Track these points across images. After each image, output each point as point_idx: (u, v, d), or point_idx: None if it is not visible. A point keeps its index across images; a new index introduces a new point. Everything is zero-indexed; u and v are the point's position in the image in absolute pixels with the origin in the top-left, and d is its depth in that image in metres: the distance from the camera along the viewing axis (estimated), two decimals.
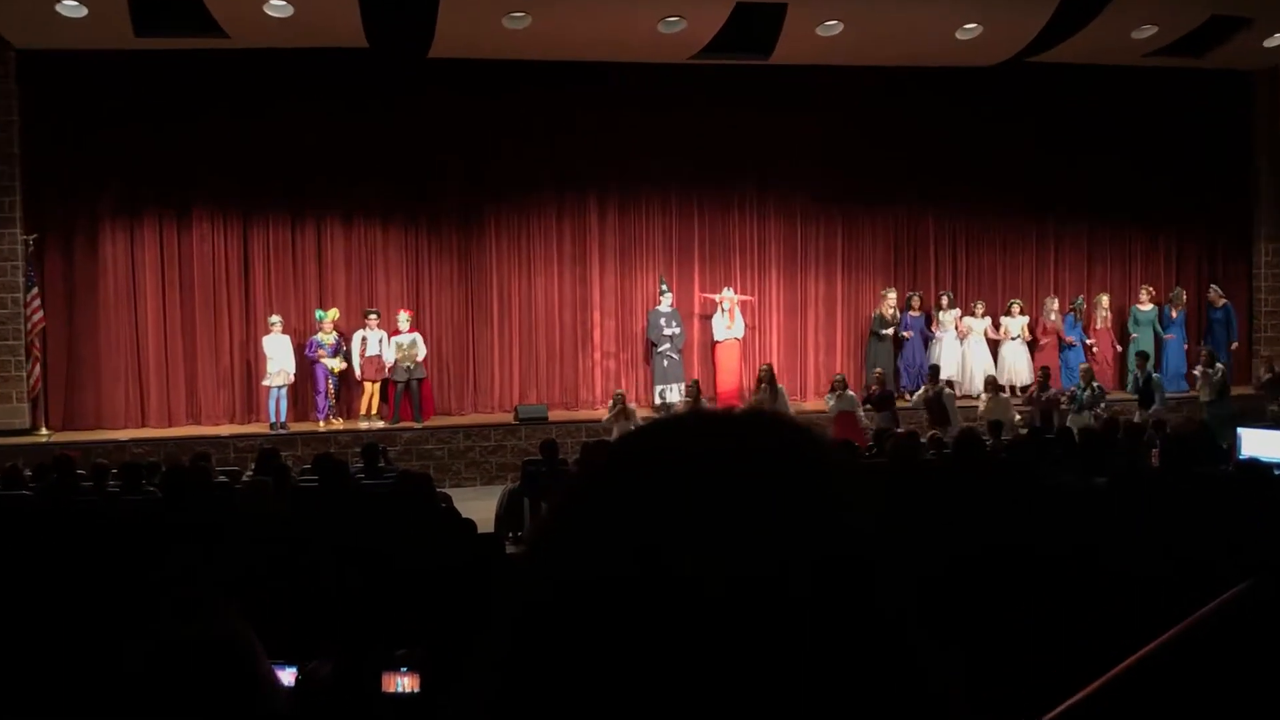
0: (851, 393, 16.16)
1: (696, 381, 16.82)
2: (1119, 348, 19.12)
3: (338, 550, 7.28)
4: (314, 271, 17.27)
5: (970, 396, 17.62)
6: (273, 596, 6.19)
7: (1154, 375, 16.52)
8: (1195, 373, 17.03)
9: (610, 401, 16.00)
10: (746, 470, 0.82)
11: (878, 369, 17.05)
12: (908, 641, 0.81)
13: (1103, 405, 15.69)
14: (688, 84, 17.54)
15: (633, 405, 15.49)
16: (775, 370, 17.04)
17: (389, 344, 16.63)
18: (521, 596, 0.83)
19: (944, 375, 18.17)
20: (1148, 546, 6.42)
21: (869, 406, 16.01)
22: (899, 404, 16.99)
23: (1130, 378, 17.11)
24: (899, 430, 14.56)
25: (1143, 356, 16.81)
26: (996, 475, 8.77)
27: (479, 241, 17.78)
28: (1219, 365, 16.68)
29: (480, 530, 8.97)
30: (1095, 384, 15.99)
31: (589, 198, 18.14)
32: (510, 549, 9.88)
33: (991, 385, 16.37)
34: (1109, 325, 19.09)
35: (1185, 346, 19.15)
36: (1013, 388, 18.07)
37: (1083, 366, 16.80)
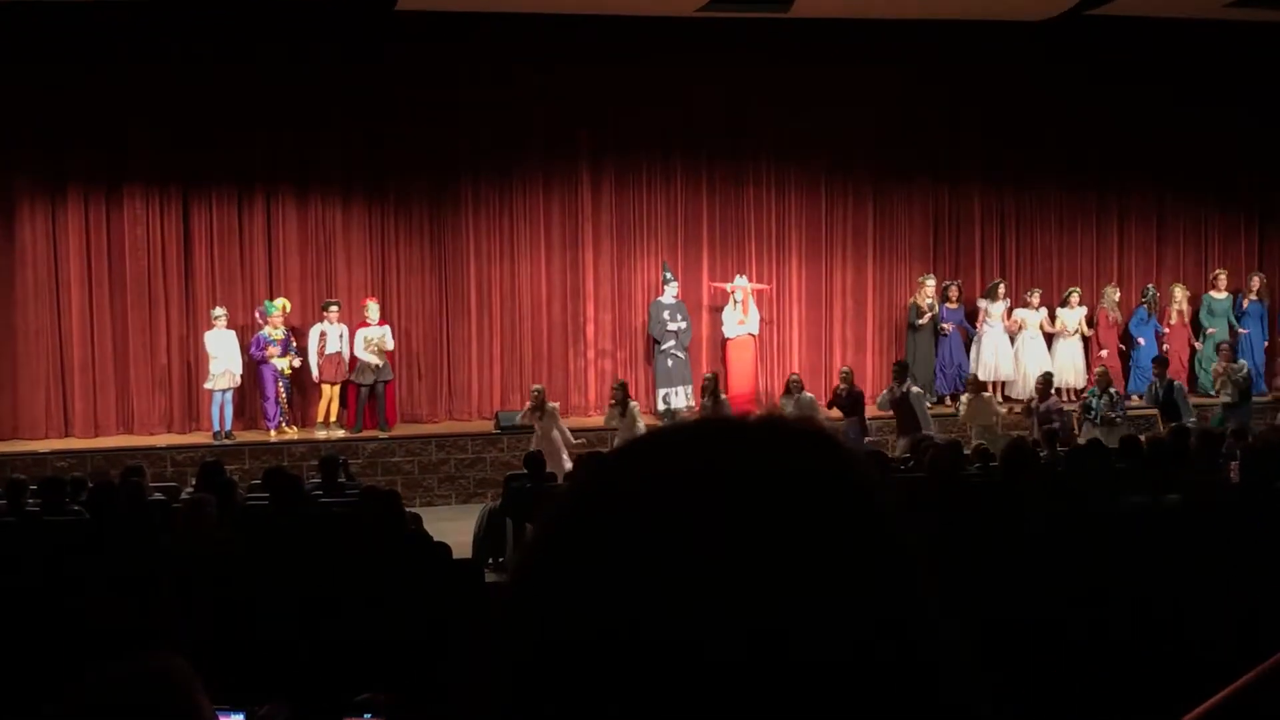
0: (810, 395, 16.05)
1: (665, 407, 16.49)
2: (1197, 344, 19.10)
3: (292, 578, 7.29)
4: (263, 257, 17.25)
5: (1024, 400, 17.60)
6: (216, 632, 6.20)
7: (1175, 383, 16.29)
8: (1217, 369, 16.79)
9: (530, 397, 15.48)
10: (774, 499, 0.80)
11: (845, 367, 16.93)
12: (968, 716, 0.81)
13: (1120, 415, 15.46)
14: (696, 40, 17.52)
15: (554, 404, 15.30)
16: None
17: (359, 339, 16.62)
18: (505, 652, 0.81)
19: (993, 376, 18.17)
20: (1227, 580, 6.43)
21: (835, 410, 15.83)
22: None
23: (1148, 385, 16.73)
24: (926, 434, 14.52)
25: (1160, 362, 16.56)
26: (1053, 493, 8.77)
27: (454, 221, 17.78)
28: (1242, 362, 16.63)
29: (455, 556, 8.98)
30: (1112, 390, 15.82)
31: (581, 171, 18.14)
32: (490, 577, 9.89)
33: (974, 385, 16.15)
34: (1185, 320, 19.06)
35: (1265, 342, 19.13)
36: (1067, 390, 18.02)
37: (1097, 370, 16.65)
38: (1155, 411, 16.04)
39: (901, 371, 16.20)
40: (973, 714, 0.81)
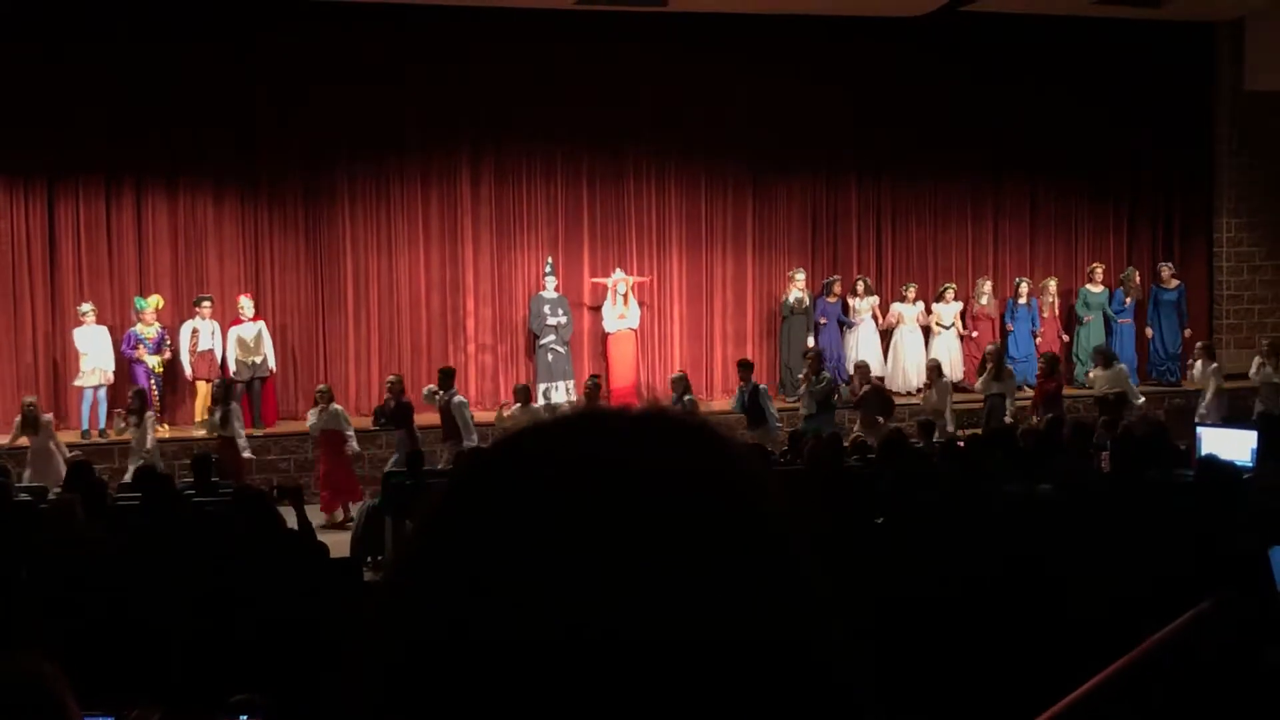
0: (337, 407, 15.11)
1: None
2: (1065, 338, 19.47)
3: (163, 580, 7.17)
4: (133, 251, 16.94)
5: (901, 393, 17.83)
6: (86, 635, 6.08)
7: (760, 387, 16.07)
8: (800, 376, 16.56)
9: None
10: (653, 491, 0.79)
11: (393, 375, 15.84)
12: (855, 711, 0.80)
13: None
14: (574, 34, 17.52)
15: (48, 416, 14.66)
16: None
17: (230, 338, 16.40)
18: (378, 649, 0.80)
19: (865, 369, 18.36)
20: (1097, 564, 6.58)
21: (384, 422, 15.23)
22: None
23: (738, 392, 16.35)
24: (468, 443, 14.19)
25: (746, 366, 16.27)
26: (931, 484, 8.89)
27: (330, 214, 17.58)
28: (825, 374, 16.41)
29: (334, 554, 8.89)
30: (688, 398, 15.67)
31: (460, 163, 18.02)
32: (369, 576, 9.81)
33: (521, 395, 15.48)
34: (1056, 314, 19.41)
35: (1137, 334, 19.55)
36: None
37: (674, 376, 16.44)
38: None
39: (448, 378, 15.33)
40: (855, 700, 0.81)
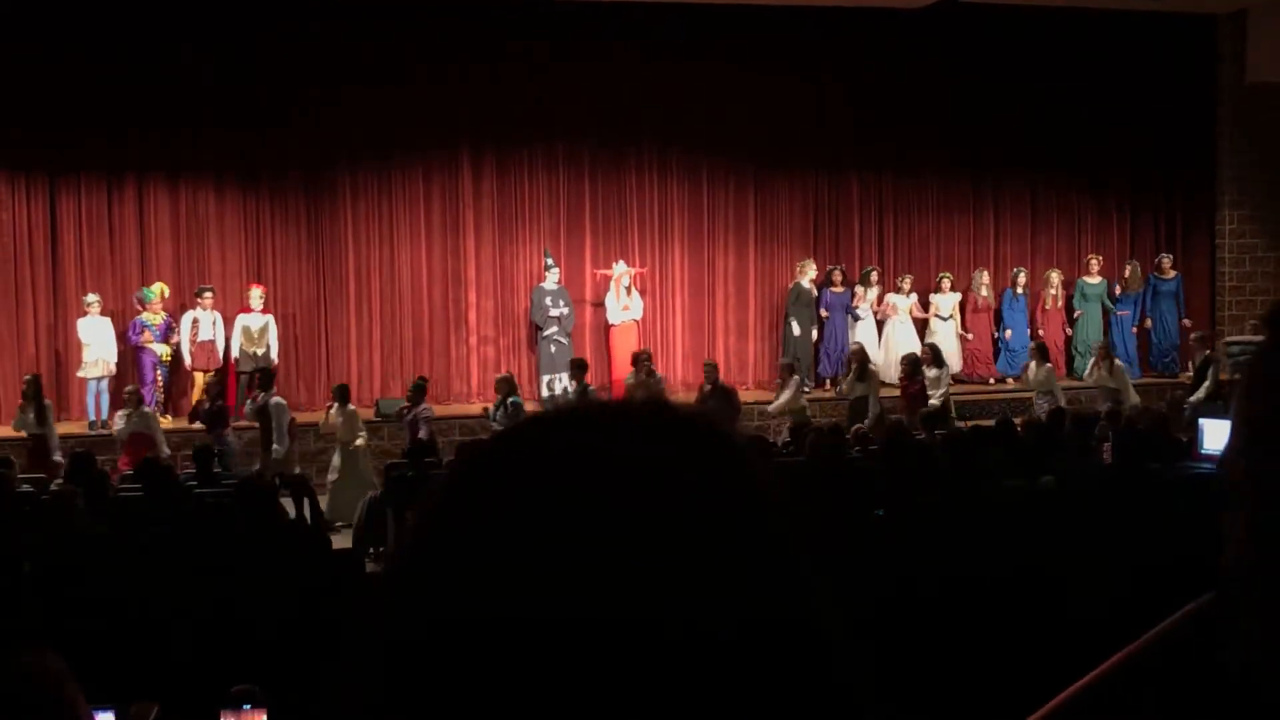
0: (148, 409, 14.79)
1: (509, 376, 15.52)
2: (1069, 332, 19.44)
3: (166, 571, 7.17)
4: (135, 244, 16.95)
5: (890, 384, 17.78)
6: (87, 627, 6.09)
7: (589, 387, 15.74)
8: (637, 382, 15.96)
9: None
10: (653, 486, 0.80)
11: (210, 375, 15.65)
12: (851, 705, 0.81)
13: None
14: (576, 23, 17.51)
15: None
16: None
17: (235, 325, 16.43)
18: (376, 640, 0.80)
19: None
20: (1099, 558, 6.58)
21: (198, 424, 14.81)
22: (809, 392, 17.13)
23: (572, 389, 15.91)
24: (278, 448, 14.11)
25: (579, 365, 16.02)
26: (932, 478, 8.88)
27: (331, 206, 17.58)
28: (658, 375, 16.16)
29: (336, 545, 8.90)
30: (510, 400, 14.68)
31: (462, 155, 18.02)
32: (371, 568, 9.82)
33: (339, 395, 14.63)
34: (1060, 306, 19.38)
35: (1134, 328, 19.53)
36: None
37: (499, 376, 15.63)
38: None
39: (267, 379, 14.95)
40: (856, 697, 0.81)
